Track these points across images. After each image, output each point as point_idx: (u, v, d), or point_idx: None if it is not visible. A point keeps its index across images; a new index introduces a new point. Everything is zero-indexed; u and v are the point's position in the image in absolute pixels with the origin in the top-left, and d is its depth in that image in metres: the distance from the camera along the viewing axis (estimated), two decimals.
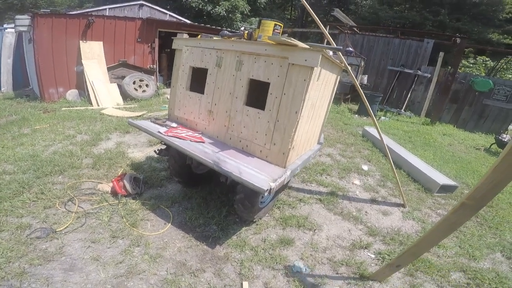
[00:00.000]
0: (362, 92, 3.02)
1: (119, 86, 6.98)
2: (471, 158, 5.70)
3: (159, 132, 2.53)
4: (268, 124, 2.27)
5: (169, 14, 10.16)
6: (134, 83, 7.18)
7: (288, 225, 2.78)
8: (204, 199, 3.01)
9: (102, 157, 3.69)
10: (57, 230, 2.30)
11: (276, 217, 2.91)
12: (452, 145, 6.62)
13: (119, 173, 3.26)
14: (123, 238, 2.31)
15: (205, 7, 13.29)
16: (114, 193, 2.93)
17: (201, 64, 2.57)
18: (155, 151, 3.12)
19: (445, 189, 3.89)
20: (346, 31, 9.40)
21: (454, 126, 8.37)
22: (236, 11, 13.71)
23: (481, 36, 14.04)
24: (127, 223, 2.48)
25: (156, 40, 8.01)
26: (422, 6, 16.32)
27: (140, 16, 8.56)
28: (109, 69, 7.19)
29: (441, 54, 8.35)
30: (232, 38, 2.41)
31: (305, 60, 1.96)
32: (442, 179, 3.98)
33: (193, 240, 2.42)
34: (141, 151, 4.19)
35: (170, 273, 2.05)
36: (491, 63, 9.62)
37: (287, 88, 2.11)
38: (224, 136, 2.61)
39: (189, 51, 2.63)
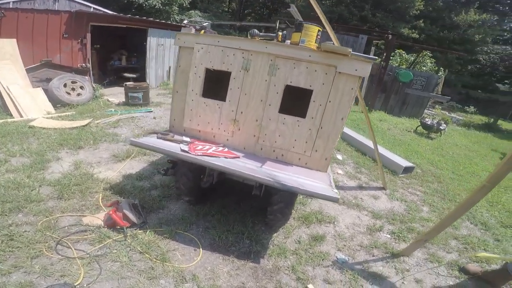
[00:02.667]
0: None
1: (45, 91, 5.54)
2: (408, 140, 7.01)
3: (184, 151, 2.19)
4: (309, 132, 2.30)
5: (93, 7, 8.53)
6: (65, 86, 5.80)
7: (310, 223, 2.95)
8: (221, 214, 2.83)
9: (65, 184, 2.98)
10: (76, 284, 1.82)
11: (295, 217, 3.04)
12: (390, 129, 7.98)
13: (109, 202, 2.70)
14: (162, 277, 2.01)
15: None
16: (111, 226, 2.45)
17: (222, 66, 2.33)
18: (160, 171, 2.74)
19: (406, 170, 4.71)
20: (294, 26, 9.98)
21: (385, 112, 9.96)
22: (174, 3, 12.69)
23: (395, 30, 17.07)
24: (154, 259, 2.14)
25: (88, 35, 6.71)
26: (349, 1, 18.42)
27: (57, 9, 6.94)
28: (28, 71, 5.70)
29: (373, 48, 9.83)
30: (257, 39, 2.26)
31: (355, 70, 2.05)
32: (403, 162, 4.79)
33: (236, 261, 2.31)
34: (110, 169, 3.54)
35: None
36: (406, 56, 11.92)
37: (333, 95, 2.17)
38: (253, 147, 2.50)
39: (204, 50, 2.33)
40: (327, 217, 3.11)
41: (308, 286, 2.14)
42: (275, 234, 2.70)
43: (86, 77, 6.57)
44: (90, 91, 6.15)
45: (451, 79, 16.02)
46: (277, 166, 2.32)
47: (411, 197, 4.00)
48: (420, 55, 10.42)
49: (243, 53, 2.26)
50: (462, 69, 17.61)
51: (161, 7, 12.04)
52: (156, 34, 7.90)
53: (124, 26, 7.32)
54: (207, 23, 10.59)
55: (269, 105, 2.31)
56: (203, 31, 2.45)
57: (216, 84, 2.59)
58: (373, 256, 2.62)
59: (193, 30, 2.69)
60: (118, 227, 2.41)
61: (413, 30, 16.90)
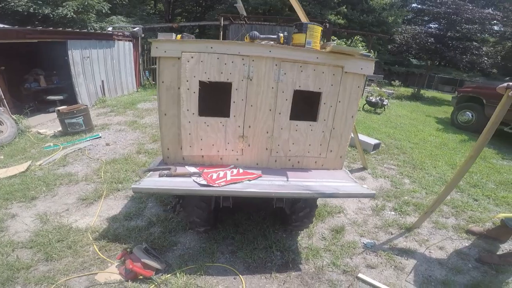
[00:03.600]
0: None
1: None
2: (361, 118, 7.70)
3: (206, 185, 1.90)
4: (323, 134, 2.25)
5: None
6: None
7: (323, 217, 3.02)
8: (239, 233, 2.64)
9: (45, 243, 2.43)
10: None
11: None
12: None
13: (118, 255, 2.26)
14: None
15: (39, 10, 9.96)
16: (134, 278, 2.10)
17: (220, 76, 2.06)
18: (167, 209, 2.36)
19: (375, 147, 5.13)
20: (241, 22, 9.82)
21: None
22: (91, 10, 10.99)
23: (323, 17, 18.59)
24: None
25: None
26: None
27: None
28: None
29: None
30: (263, 42, 2.07)
31: (361, 69, 2.08)
32: (371, 140, 5.22)
33: (279, 275, 2.22)
34: (86, 214, 2.97)
35: None
36: (339, 41, 13.17)
37: (342, 96, 2.16)
38: (267, 161, 2.33)
39: (195, 60, 2.01)
40: (335, 208, 3.23)
41: (359, 275, 2.19)
42: (299, 238, 2.68)
43: (1, 108, 5.15)
44: (12, 125, 4.92)
45: (375, 58, 18.40)
46: (299, 174, 2.22)
47: (390, 172, 4.42)
48: (353, 39, 11.65)
49: (243, 59, 2.03)
50: (382, 49, 20.41)
51: (74, 15, 10.33)
52: (78, 46, 6.81)
53: (35, 41, 6.05)
54: (138, 28, 9.49)
55: (279, 113, 2.17)
56: (179, 36, 2.11)
57: (213, 98, 2.31)
58: (392, 234, 2.82)
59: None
60: (141, 276, 2.08)
61: (338, 16, 18.68)
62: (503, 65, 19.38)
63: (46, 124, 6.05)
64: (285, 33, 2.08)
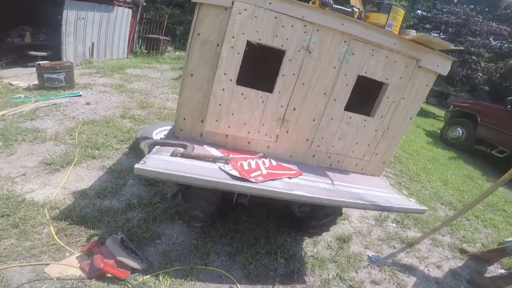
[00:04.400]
0: None
1: None
2: None
3: (241, 179, 1.38)
4: (375, 133, 1.84)
5: None
6: None
7: None
8: (239, 232, 2.17)
9: None
10: None
11: None
12: None
13: (85, 246, 1.66)
14: None
15: None
16: (98, 276, 1.52)
17: (273, 40, 1.54)
18: (164, 196, 1.83)
19: None
20: None
21: None
22: None
23: None
24: None
25: None
26: None
27: None
28: None
29: None
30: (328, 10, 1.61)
31: (437, 66, 1.70)
32: None
33: (281, 286, 1.82)
34: (47, 183, 2.26)
35: None
36: None
37: (407, 92, 1.75)
38: (303, 154, 1.85)
39: (248, 14, 1.47)
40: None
41: None
42: (304, 244, 2.30)
43: None
44: None
45: None
46: (339, 177, 1.80)
47: (389, 180, 4.23)
48: None
49: (305, 25, 1.54)
50: None
51: None
52: (75, 7, 5.97)
53: None
54: None
55: (334, 100, 1.73)
56: None
57: (253, 68, 1.81)
58: (395, 248, 2.59)
59: None
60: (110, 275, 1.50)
61: None
62: (498, 83, 16.67)
63: (20, 77, 4.93)
64: (360, 9, 1.67)
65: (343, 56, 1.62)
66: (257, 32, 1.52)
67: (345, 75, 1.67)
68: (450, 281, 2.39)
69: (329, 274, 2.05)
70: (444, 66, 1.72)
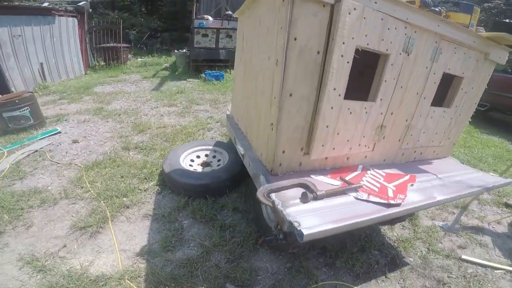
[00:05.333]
0: None
1: None
2: None
3: (393, 205, 1.25)
4: (450, 121, 1.89)
5: None
6: None
7: None
8: (320, 242, 2.02)
9: None
10: None
11: None
12: None
13: None
14: None
15: None
16: None
17: (379, 45, 1.36)
18: (268, 240, 1.62)
19: None
20: None
21: None
22: None
23: None
24: None
25: None
26: None
27: None
28: None
29: None
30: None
31: (499, 58, 1.80)
32: None
33: (392, 274, 1.84)
34: (97, 250, 1.87)
35: None
36: None
37: (476, 82, 1.84)
38: (394, 155, 1.80)
39: (357, 15, 1.24)
40: None
41: (462, 257, 2.04)
42: (382, 231, 2.29)
43: None
44: None
45: None
46: (431, 167, 1.84)
47: None
48: None
49: (406, 27, 1.44)
50: None
51: None
52: (5, 23, 4.73)
53: None
54: (83, 2, 7.16)
55: (424, 98, 1.69)
56: None
57: (358, 76, 1.64)
58: (454, 213, 2.69)
59: None
60: None
61: None
62: None
63: None
64: (440, 9, 1.64)
65: (434, 56, 1.59)
66: (365, 36, 1.34)
67: (434, 73, 1.65)
68: None
69: (422, 251, 2.09)
70: (503, 56, 1.84)
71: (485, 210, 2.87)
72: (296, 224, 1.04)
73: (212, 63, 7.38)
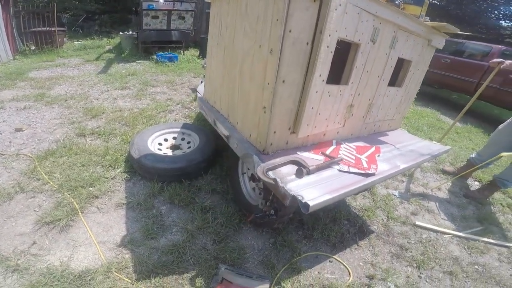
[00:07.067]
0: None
1: None
2: None
3: (369, 174, 1.51)
4: (401, 98, 2.30)
5: None
6: None
7: None
8: (297, 215, 2.15)
9: None
10: None
11: None
12: None
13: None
14: None
15: None
16: None
17: (354, 36, 1.55)
18: (268, 214, 1.70)
19: None
20: None
21: None
22: None
23: None
24: None
25: None
26: None
27: None
28: None
29: None
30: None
31: (438, 43, 2.18)
32: None
33: (362, 242, 2.05)
34: (73, 245, 1.78)
35: None
36: None
37: (421, 64, 2.22)
38: (359, 130, 2.11)
39: (342, 10, 1.38)
40: None
41: (416, 223, 2.26)
42: (347, 201, 2.48)
43: None
44: None
45: None
46: (387, 139, 2.24)
47: None
48: None
49: (374, 20, 1.64)
50: None
51: None
52: None
53: None
54: None
55: (383, 80, 2.01)
56: None
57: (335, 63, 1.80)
58: (403, 181, 2.90)
59: None
60: None
61: None
62: None
63: None
64: (400, 1, 1.89)
65: (392, 44, 1.88)
66: (345, 28, 1.51)
67: (391, 59, 1.95)
68: (454, 199, 2.68)
69: (383, 219, 2.30)
70: (442, 42, 2.25)
71: (427, 177, 3.09)
72: (300, 198, 1.17)
73: (163, 44, 7.15)
